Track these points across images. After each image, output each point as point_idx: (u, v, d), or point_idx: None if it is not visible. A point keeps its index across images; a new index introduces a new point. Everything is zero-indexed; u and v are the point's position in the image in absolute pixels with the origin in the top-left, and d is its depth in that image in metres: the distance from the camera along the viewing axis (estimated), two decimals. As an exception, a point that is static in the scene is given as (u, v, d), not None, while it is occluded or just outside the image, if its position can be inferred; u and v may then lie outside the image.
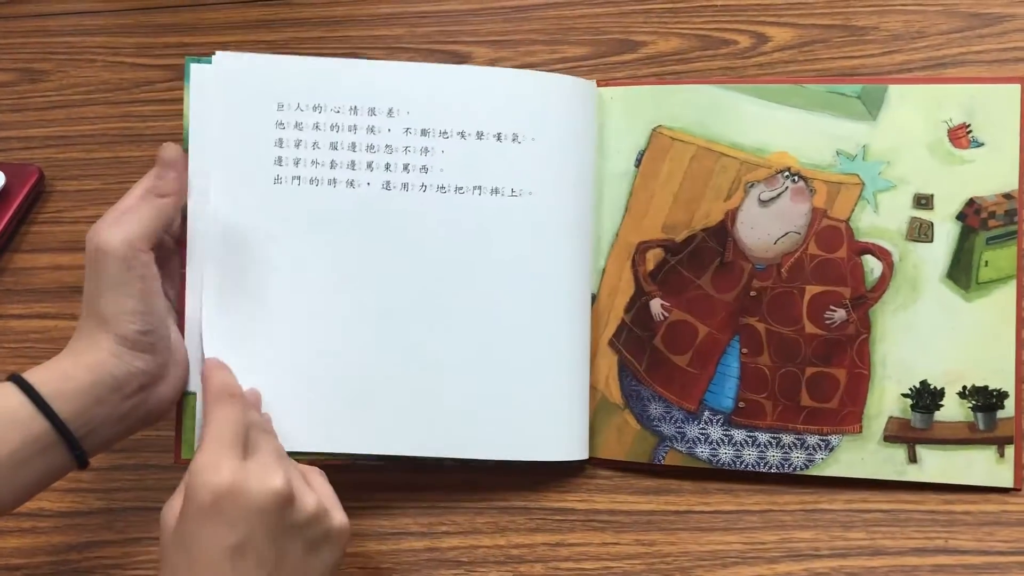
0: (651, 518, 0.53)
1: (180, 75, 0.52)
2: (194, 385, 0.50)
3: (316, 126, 0.51)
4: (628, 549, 0.53)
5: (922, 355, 0.51)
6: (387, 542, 0.54)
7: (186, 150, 0.51)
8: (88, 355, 0.44)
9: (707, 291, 0.53)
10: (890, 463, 0.51)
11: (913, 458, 0.51)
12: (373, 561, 0.54)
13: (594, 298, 0.54)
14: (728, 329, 0.53)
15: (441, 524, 0.54)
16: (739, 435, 0.52)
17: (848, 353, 0.51)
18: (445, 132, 0.51)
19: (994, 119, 0.50)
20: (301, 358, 0.51)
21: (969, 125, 0.51)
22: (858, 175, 0.52)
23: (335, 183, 0.51)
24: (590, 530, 0.53)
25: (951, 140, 0.51)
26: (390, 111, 0.51)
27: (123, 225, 0.46)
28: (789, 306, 0.52)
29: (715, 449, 0.53)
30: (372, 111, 0.51)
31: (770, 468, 0.52)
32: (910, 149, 0.51)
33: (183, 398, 0.51)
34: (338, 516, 0.44)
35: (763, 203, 0.52)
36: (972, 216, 0.51)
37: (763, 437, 0.52)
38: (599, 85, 0.54)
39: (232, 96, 0.51)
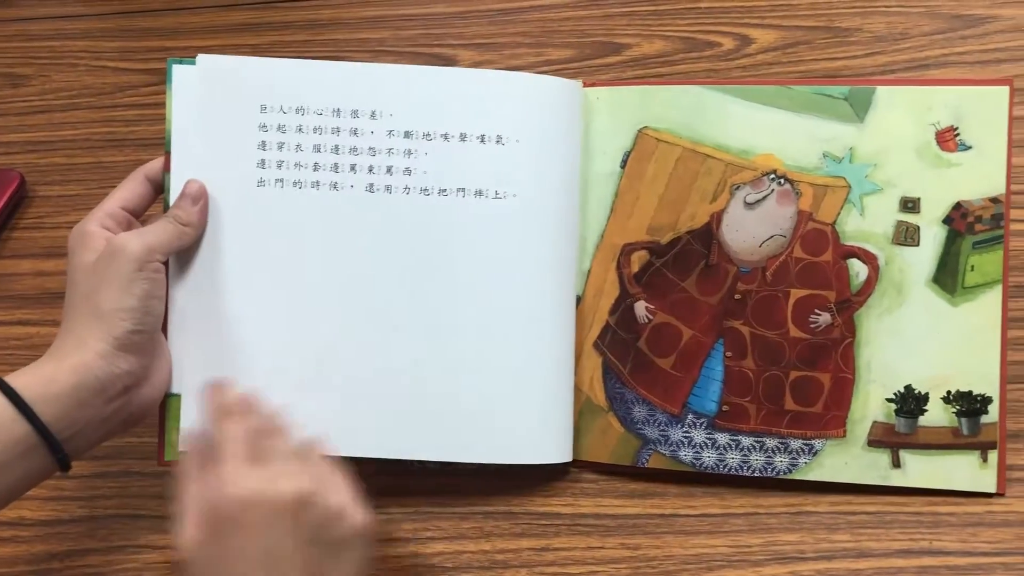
0: (636, 522, 0.53)
1: (163, 79, 0.51)
2: (177, 387, 0.50)
3: (299, 128, 0.51)
4: (613, 553, 0.52)
5: (907, 360, 0.50)
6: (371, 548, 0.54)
7: (168, 152, 0.50)
8: (73, 356, 0.44)
9: (691, 294, 0.52)
10: (874, 468, 0.50)
11: (897, 463, 0.50)
12: (358, 567, 0.54)
13: (579, 300, 0.53)
14: (712, 332, 0.52)
15: (426, 530, 0.54)
16: (722, 438, 0.52)
17: (833, 357, 0.51)
18: (428, 134, 0.51)
19: (982, 122, 0.50)
20: (283, 360, 0.51)
21: (957, 128, 0.50)
22: (844, 178, 0.51)
23: (318, 185, 0.51)
24: (575, 534, 0.53)
25: (939, 143, 0.50)
26: (373, 113, 0.51)
27: (145, 234, 0.47)
28: (774, 309, 0.51)
29: (698, 452, 0.52)
30: (355, 113, 0.51)
31: (753, 472, 0.51)
32: (897, 152, 0.50)
33: (166, 400, 0.50)
34: (360, 513, 0.43)
35: (748, 205, 0.52)
36: (959, 220, 0.50)
37: (746, 441, 0.52)
38: (585, 85, 0.54)
39: (215, 98, 0.50)
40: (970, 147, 0.50)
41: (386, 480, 0.54)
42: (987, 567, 0.49)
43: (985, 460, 0.49)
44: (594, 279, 0.53)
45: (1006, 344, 0.50)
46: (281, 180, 0.50)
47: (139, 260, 0.46)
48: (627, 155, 0.53)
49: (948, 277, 0.50)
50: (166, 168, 0.50)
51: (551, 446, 0.52)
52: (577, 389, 0.53)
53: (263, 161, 0.50)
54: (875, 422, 0.50)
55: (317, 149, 0.51)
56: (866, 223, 0.51)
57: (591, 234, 0.53)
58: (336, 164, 0.51)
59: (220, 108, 0.50)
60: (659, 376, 0.52)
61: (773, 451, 0.51)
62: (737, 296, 0.52)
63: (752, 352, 0.51)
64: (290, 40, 0.63)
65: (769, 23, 0.59)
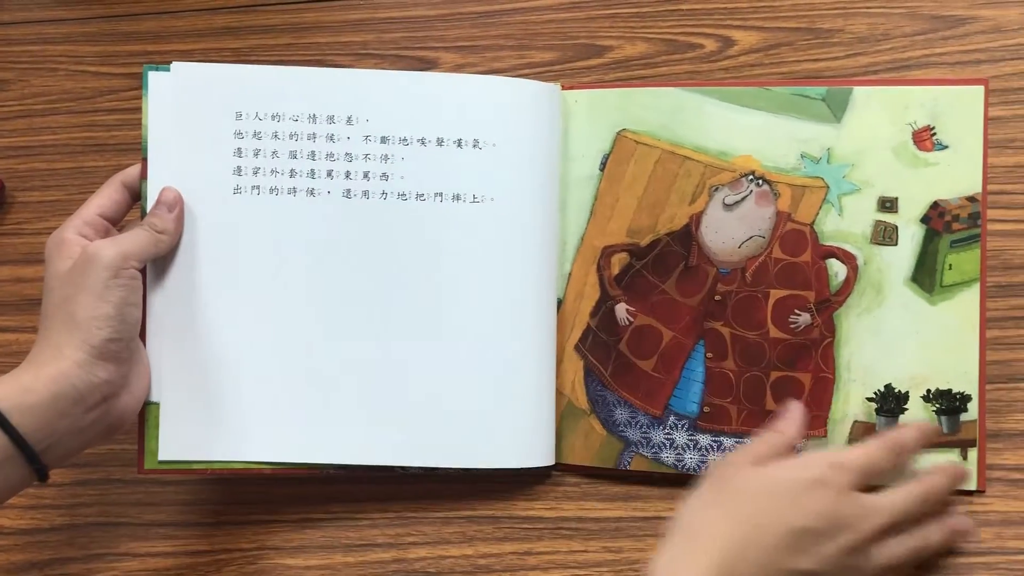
0: (619, 525, 0.53)
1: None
2: (156, 395, 0.51)
3: (275, 135, 0.51)
4: (596, 556, 0.53)
5: (886, 359, 0.51)
6: (353, 553, 0.54)
7: (145, 158, 0.51)
8: (50, 366, 0.44)
9: (672, 295, 0.53)
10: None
11: None
12: (340, 573, 0.54)
13: (560, 303, 0.54)
14: (693, 333, 0.53)
15: (408, 535, 0.54)
16: (704, 440, 0.53)
17: (813, 357, 0.52)
18: (405, 139, 0.52)
19: (958, 121, 0.51)
20: (264, 367, 0.51)
21: (933, 128, 0.51)
22: (822, 178, 0.52)
23: (295, 192, 0.51)
24: (558, 538, 0.53)
25: (915, 143, 0.51)
26: (349, 119, 0.51)
27: (120, 241, 0.47)
28: (754, 310, 0.52)
29: (680, 454, 0.53)
30: (331, 119, 0.51)
31: (737, 473, 0.52)
32: (875, 152, 0.51)
33: (145, 408, 0.51)
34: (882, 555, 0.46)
35: (727, 207, 0.53)
36: (936, 219, 0.51)
37: (728, 442, 0.52)
38: (564, 88, 0.55)
39: (190, 106, 0.51)
40: (946, 147, 0.51)
41: (367, 486, 0.55)
42: (968, 567, 0.50)
43: (965, 458, 0.50)
44: (574, 282, 0.54)
45: (985, 342, 0.51)
46: (257, 187, 0.51)
47: (114, 267, 0.46)
48: (606, 157, 0.54)
49: (926, 276, 0.51)
50: (143, 175, 0.51)
51: (534, 450, 0.52)
52: (559, 392, 0.54)
53: (239, 168, 0.51)
54: (856, 421, 0.51)
55: (293, 155, 0.51)
56: (844, 223, 0.52)
57: (571, 237, 0.54)
58: (313, 170, 0.51)
59: (196, 115, 0.51)
60: (640, 378, 0.53)
61: (755, 452, 0.52)
62: (717, 297, 0.53)
63: (733, 353, 0.52)
64: (272, 44, 0.63)
65: (751, 25, 0.59)
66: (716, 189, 0.53)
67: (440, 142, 0.52)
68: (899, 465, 0.47)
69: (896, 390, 0.51)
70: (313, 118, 0.51)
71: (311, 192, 0.51)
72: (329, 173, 0.52)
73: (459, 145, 0.52)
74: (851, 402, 0.51)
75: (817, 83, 0.53)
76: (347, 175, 0.52)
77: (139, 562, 0.55)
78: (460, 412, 0.52)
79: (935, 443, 0.50)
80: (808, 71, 0.58)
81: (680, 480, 0.53)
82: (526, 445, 0.52)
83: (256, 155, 0.51)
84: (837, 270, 0.52)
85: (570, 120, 0.54)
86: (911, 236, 0.51)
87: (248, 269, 0.51)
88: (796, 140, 0.52)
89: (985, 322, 0.51)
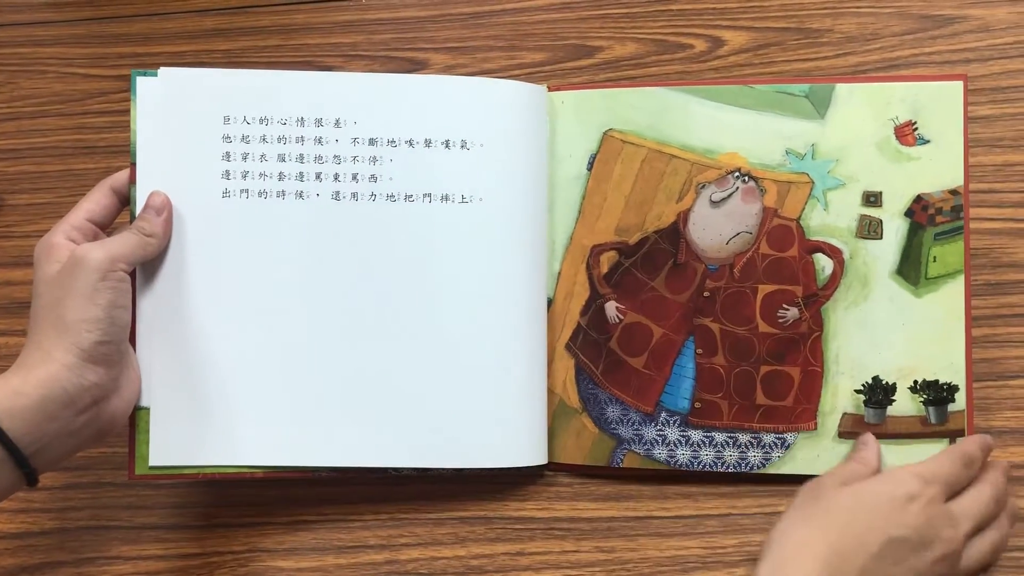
0: (611, 525, 0.55)
1: (132, 86, 0.54)
2: (146, 399, 0.52)
3: (263, 138, 0.53)
4: (588, 556, 0.54)
5: (874, 351, 0.53)
6: (346, 555, 0.56)
7: (134, 163, 0.52)
8: (40, 369, 0.45)
9: (661, 292, 0.55)
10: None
11: None
12: (332, 575, 0.55)
13: (550, 302, 0.56)
14: (682, 330, 0.55)
15: (401, 536, 0.56)
16: (696, 435, 0.54)
17: (801, 351, 0.54)
18: (393, 141, 0.53)
19: (939, 116, 0.53)
20: (254, 371, 0.52)
21: (915, 123, 0.53)
22: (807, 174, 0.54)
23: (284, 195, 0.53)
24: (550, 538, 0.55)
25: (898, 138, 0.53)
26: (337, 121, 0.53)
27: (108, 244, 0.48)
28: (742, 306, 0.54)
29: (672, 450, 0.54)
30: (319, 122, 0.53)
31: (727, 468, 0.54)
32: (858, 147, 0.53)
33: (135, 413, 0.52)
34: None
35: (714, 204, 0.55)
36: (920, 213, 0.53)
37: (720, 437, 0.54)
38: (551, 90, 0.56)
39: (178, 111, 0.52)
40: (928, 141, 0.53)
41: (359, 488, 0.56)
42: (960, 561, 0.52)
43: (953, 449, 0.52)
44: (564, 281, 0.56)
45: (971, 334, 0.52)
46: (246, 191, 0.53)
47: (102, 270, 0.47)
48: (593, 157, 0.56)
49: (911, 269, 0.53)
50: (131, 180, 0.52)
51: (526, 449, 0.54)
52: (550, 391, 0.55)
53: (227, 172, 0.53)
54: (845, 413, 0.53)
55: (282, 159, 0.53)
56: (830, 218, 0.54)
57: (560, 236, 0.56)
58: (301, 173, 0.53)
59: (183, 120, 0.52)
60: (631, 375, 0.55)
61: (746, 446, 0.54)
62: (706, 293, 0.55)
63: (722, 348, 0.54)
64: (262, 45, 0.65)
65: (741, 25, 0.61)
66: (703, 186, 0.55)
67: (428, 143, 0.53)
68: (970, 476, 0.49)
69: (884, 382, 0.53)
70: (301, 121, 0.53)
71: (300, 195, 0.53)
72: (318, 176, 0.53)
73: (447, 146, 0.53)
74: (840, 395, 0.53)
75: (799, 80, 0.55)
76: (335, 177, 0.53)
77: (130, 565, 0.56)
78: (452, 412, 0.53)
79: (922, 433, 0.52)
80: (797, 71, 0.59)
81: (672, 477, 0.55)
82: (518, 445, 0.54)
83: (244, 159, 0.53)
84: (824, 264, 0.54)
85: (557, 121, 0.56)
86: (896, 230, 0.53)
87: (237, 272, 0.52)
88: (781, 137, 0.54)
89: (970, 313, 0.52)
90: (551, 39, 0.63)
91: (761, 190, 0.54)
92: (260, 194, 0.53)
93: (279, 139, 0.53)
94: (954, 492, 0.48)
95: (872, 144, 0.53)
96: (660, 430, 0.55)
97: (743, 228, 0.54)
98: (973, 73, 0.58)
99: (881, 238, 0.53)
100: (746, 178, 0.54)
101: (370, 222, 0.53)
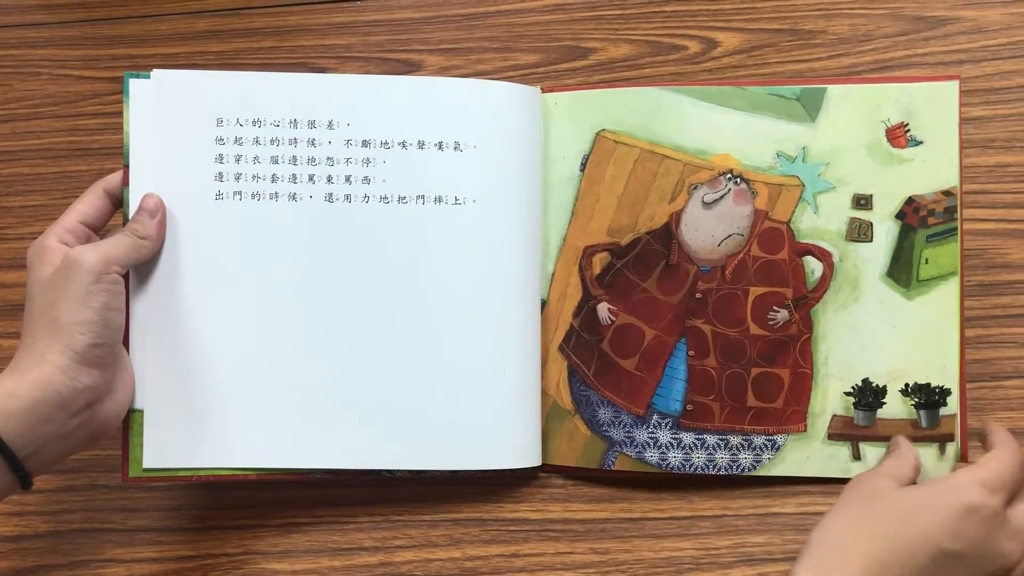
0: (605, 526, 0.56)
1: (127, 88, 0.54)
2: (140, 402, 0.52)
3: (256, 140, 0.54)
4: (583, 558, 0.55)
5: (864, 353, 0.54)
6: (340, 557, 0.56)
7: (127, 165, 0.53)
8: (33, 371, 0.46)
9: (653, 294, 0.56)
10: (835, 461, 0.54)
11: (857, 455, 0.54)
12: (326, 577, 0.56)
13: (543, 303, 0.57)
14: (674, 331, 0.56)
15: (395, 538, 0.56)
16: (688, 438, 0.55)
17: (791, 353, 0.54)
18: (386, 142, 0.54)
19: (932, 117, 0.53)
20: (248, 373, 0.53)
21: (907, 124, 0.54)
22: (798, 177, 0.55)
23: (277, 197, 0.54)
24: (545, 540, 0.56)
25: (889, 140, 0.54)
26: (330, 123, 0.54)
27: (101, 247, 0.49)
28: (733, 307, 0.55)
29: (664, 453, 0.55)
30: (312, 124, 0.54)
31: (718, 470, 0.55)
32: (849, 150, 0.54)
33: (129, 415, 0.52)
34: None
35: (706, 205, 0.56)
36: (911, 215, 0.54)
37: (711, 439, 0.55)
38: (545, 91, 0.57)
39: (171, 113, 0.53)
40: (921, 142, 0.54)
41: (353, 490, 0.57)
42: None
43: (943, 452, 0.53)
44: (557, 283, 0.57)
45: (964, 336, 0.53)
46: (239, 192, 0.53)
47: (95, 272, 0.48)
48: (586, 158, 0.57)
49: (902, 271, 0.54)
50: (124, 182, 0.53)
51: (520, 450, 0.55)
52: (544, 393, 0.56)
53: (221, 174, 0.53)
54: (834, 416, 0.54)
55: (275, 161, 0.53)
56: (820, 220, 0.54)
57: (553, 238, 0.57)
58: (294, 175, 0.54)
59: (176, 122, 0.53)
60: (623, 377, 0.56)
61: (737, 448, 0.55)
62: (698, 295, 0.56)
63: (714, 350, 0.55)
64: (256, 47, 0.65)
65: (734, 26, 0.62)
66: (695, 188, 0.56)
67: (421, 145, 0.54)
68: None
69: (874, 384, 0.54)
70: (294, 123, 0.54)
71: (293, 197, 0.54)
72: (311, 178, 0.54)
73: (440, 148, 0.54)
74: (829, 397, 0.54)
75: (791, 82, 0.56)
76: (328, 179, 0.54)
77: (124, 568, 0.57)
78: (446, 414, 0.54)
79: (913, 437, 0.53)
80: (791, 72, 0.60)
81: (665, 480, 0.56)
82: (512, 446, 0.54)
83: (238, 161, 0.54)
84: (813, 267, 0.55)
85: (550, 122, 0.57)
86: (886, 232, 0.54)
87: (231, 274, 0.53)
88: (772, 139, 0.55)
89: (964, 314, 0.53)
90: (545, 40, 0.63)
91: (752, 192, 0.55)
92: (253, 196, 0.53)
93: (272, 141, 0.54)
94: (1012, 497, 0.47)
95: (862, 147, 0.54)
96: (652, 432, 0.56)
97: (735, 230, 0.55)
98: (966, 74, 0.59)
99: (871, 241, 0.54)
100: (738, 180, 0.55)
101: (363, 224, 0.54)
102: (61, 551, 0.57)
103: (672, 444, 0.55)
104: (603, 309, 0.56)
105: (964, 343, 0.53)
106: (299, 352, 0.53)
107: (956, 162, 0.53)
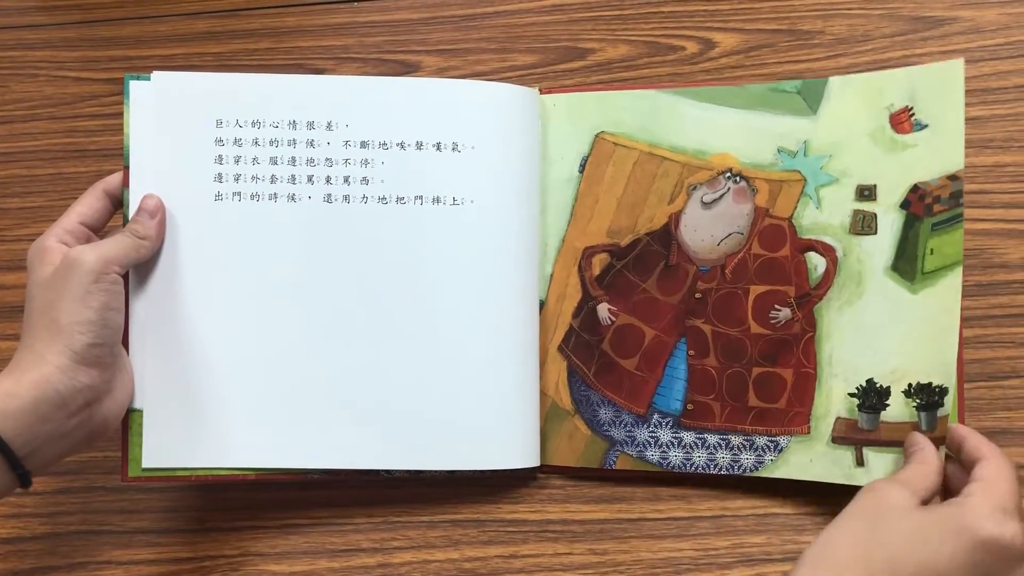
0: (604, 527, 0.56)
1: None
2: (140, 402, 0.52)
3: (255, 141, 0.54)
4: (581, 559, 0.55)
5: (868, 352, 0.53)
6: (338, 559, 0.56)
7: (127, 166, 0.53)
8: (33, 371, 0.46)
9: (653, 294, 0.56)
10: (838, 466, 0.53)
11: (860, 461, 0.53)
12: (325, 578, 0.56)
13: (542, 304, 0.57)
14: (674, 331, 0.56)
15: (393, 539, 0.56)
16: (688, 437, 0.55)
17: (794, 352, 0.54)
18: (384, 143, 0.54)
19: (937, 98, 0.51)
20: (247, 373, 0.53)
21: (911, 108, 0.52)
22: (799, 171, 0.54)
23: (276, 197, 0.54)
24: (543, 541, 0.56)
25: (893, 126, 0.53)
26: (329, 124, 0.54)
27: (101, 247, 0.49)
28: (734, 307, 0.55)
29: (665, 452, 0.55)
30: (311, 125, 0.54)
31: (720, 470, 0.55)
32: (852, 140, 0.53)
33: (129, 415, 0.53)
34: None
35: (706, 205, 0.55)
36: (916, 203, 0.52)
37: (712, 439, 0.55)
38: (543, 93, 0.57)
39: (171, 114, 0.53)
40: (926, 126, 0.52)
41: (351, 491, 0.57)
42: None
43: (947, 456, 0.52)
44: (556, 283, 0.57)
45: (962, 335, 0.52)
46: (238, 193, 0.53)
47: (95, 272, 0.48)
48: (585, 160, 0.57)
49: (907, 264, 0.52)
50: (125, 183, 0.53)
51: (519, 451, 0.55)
52: (543, 393, 0.56)
53: (220, 175, 0.53)
54: (838, 418, 0.53)
55: (274, 161, 0.54)
56: (823, 215, 0.54)
57: (552, 239, 0.57)
58: (293, 176, 0.54)
59: (176, 123, 0.53)
60: (623, 377, 0.56)
61: (739, 449, 0.54)
62: (698, 295, 0.55)
63: (714, 350, 0.55)
64: (254, 48, 0.65)
65: (732, 27, 0.62)
66: (694, 188, 0.56)
67: (419, 146, 0.54)
68: None
69: (878, 385, 0.53)
70: (293, 124, 0.54)
71: (292, 197, 0.54)
72: (310, 178, 0.54)
73: (438, 148, 0.54)
74: (833, 398, 0.54)
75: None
76: (327, 180, 0.54)
77: (122, 570, 0.57)
78: (444, 414, 0.54)
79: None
80: (789, 72, 0.60)
81: (665, 480, 0.56)
82: (511, 446, 0.54)
83: (237, 162, 0.54)
84: (816, 263, 0.54)
85: (549, 123, 0.57)
86: (890, 223, 0.53)
87: (230, 275, 0.53)
88: (772, 135, 0.54)
89: (961, 314, 0.52)
90: (543, 41, 0.63)
91: (752, 190, 0.55)
92: (252, 197, 0.53)
93: (271, 142, 0.54)
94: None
95: (866, 135, 0.53)
96: (652, 432, 0.55)
97: (734, 229, 0.55)
98: (965, 75, 0.58)
99: (875, 233, 0.53)
100: (737, 178, 0.55)
101: (362, 225, 0.54)
102: (59, 553, 0.57)
103: (673, 443, 0.55)
104: (603, 309, 0.56)
105: (962, 342, 0.53)
106: (298, 352, 0.53)
107: (960, 145, 0.51)
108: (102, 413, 0.49)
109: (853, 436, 0.53)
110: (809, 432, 0.54)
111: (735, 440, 0.55)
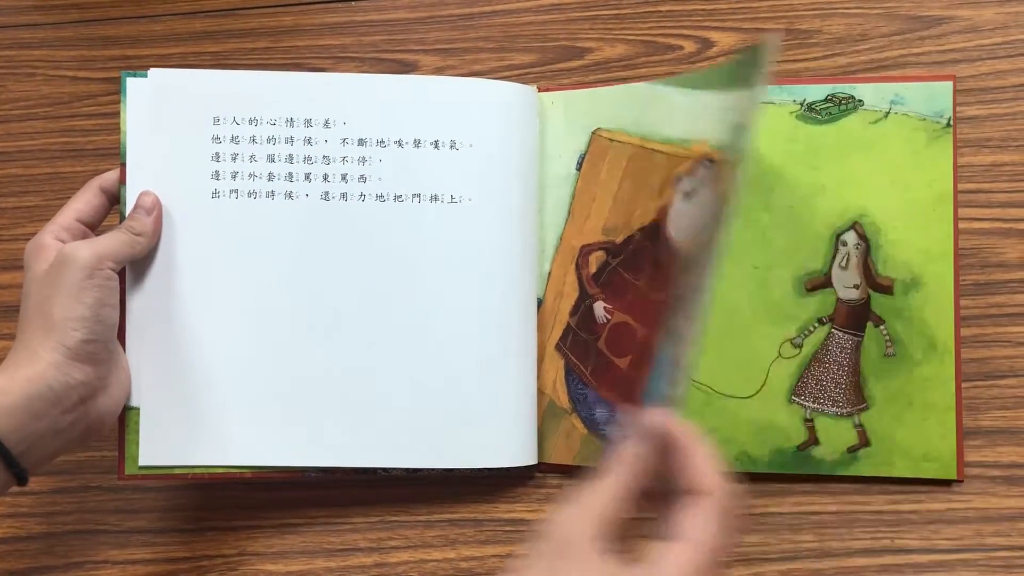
0: (601, 525, 0.56)
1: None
2: (136, 400, 0.53)
3: (253, 139, 0.54)
4: (579, 558, 0.55)
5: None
6: (335, 558, 0.57)
7: (123, 164, 0.54)
8: (26, 367, 0.46)
9: (644, 291, 0.56)
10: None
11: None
12: (321, 578, 0.56)
13: (540, 302, 0.57)
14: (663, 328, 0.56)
15: (390, 539, 0.57)
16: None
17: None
18: (382, 141, 0.54)
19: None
20: (244, 371, 0.53)
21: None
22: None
23: (273, 195, 0.54)
24: (541, 540, 0.56)
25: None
26: (326, 122, 0.54)
27: (96, 243, 0.49)
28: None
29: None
30: (308, 122, 0.54)
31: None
32: None
33: (125, 413, 0.53)
34: None
35: (686, 195, 0.55)
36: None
37: (707, 438, 0.55)
38: (540, 91, 0.58)
39: (168, 112, 0.54)
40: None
41: (348, 491, 0.57)
42: (948, 564, 0.53)
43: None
44: (554, 282, 0.57)
45: (960, 334, 0.54)
46: (236, 191, 0.54)
47: (89, 268, 0.48)
48: (582, 157, 0.57)
49: None
50: (121, 180, 0.53)
51: (516, 449, 0.55)
52: (540, 392, 0.57)
53: (217, 172, 0.54)
54: None
55: (271, 159, 0.54)
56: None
57: (550, 237, 0.57)
58: (290, 173, 0.54)
59: (173, 121, 0.53)
60: (618, 376, 0.56)
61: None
62: (683, 291, 0.56)
63: (706, 349, 0.55)
64: (251, 48, 0.65)
65: (730, 26, 0.62)
66: (679, 180, 0.55)
67: (417, 143, 0.55)
68: None
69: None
70: (291, 122, 0.54)
71: (289, 195, 0.54)
72: (307, 176, 0.54)
73: (436, 146, 0.55)
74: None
75: (787, 82, 0.56)
76: (325, 178, 0.54)
77: (119, 570, 0.57)
78: (442, 412, 0.54)
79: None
80: (786, 72, 0.60)
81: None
82: (509, 445, 0.55)
83: (234, 159, 0.54)
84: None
85: (547, 121, 0.58)
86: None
87: (226, 273, 0.53)
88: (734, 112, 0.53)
89: (959, 314, 0.54)
90: (540, 40, 0.64)
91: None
92: (250, 195, 0.54)
93: (268, 139, 0.54)
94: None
95: None
96: (649, 431, 0.56)
97: (713, 217, 0.55)
98: (961, 73, 0.59)
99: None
100: (708, 163, 0.54)
101: (359, 222, 0.54)
102: (55, 553, 0.58)
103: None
104: (599, 308, 0.57)
105: (959, 345, 0.53)
106: (295, 350, 0.54)
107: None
108: (98, 410, 0.49)
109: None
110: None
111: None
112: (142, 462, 0.53)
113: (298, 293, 0.54)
